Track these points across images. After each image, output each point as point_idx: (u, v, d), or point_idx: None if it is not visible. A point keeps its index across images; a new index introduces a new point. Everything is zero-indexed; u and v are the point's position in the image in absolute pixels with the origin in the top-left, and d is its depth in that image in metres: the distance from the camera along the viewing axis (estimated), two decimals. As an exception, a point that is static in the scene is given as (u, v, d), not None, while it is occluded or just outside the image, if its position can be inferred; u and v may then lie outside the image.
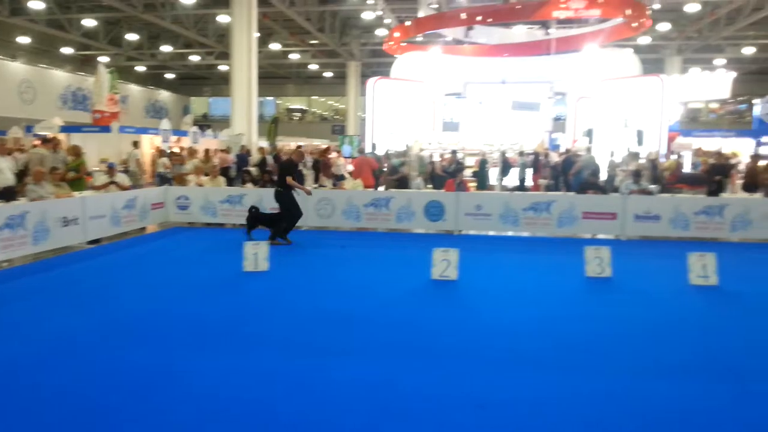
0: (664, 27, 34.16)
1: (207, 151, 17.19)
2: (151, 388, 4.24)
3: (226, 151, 18.51)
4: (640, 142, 20.46)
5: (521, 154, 18.83)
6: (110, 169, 12.31)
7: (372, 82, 22.73)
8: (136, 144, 19.28)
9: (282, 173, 10.31)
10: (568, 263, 8.58)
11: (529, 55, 23.89)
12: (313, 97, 52.19)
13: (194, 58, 37.18)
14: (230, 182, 15.26)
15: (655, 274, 8.34)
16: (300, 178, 11.35)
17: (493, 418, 3.83)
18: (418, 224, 11.95)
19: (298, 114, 51.99)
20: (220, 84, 42.97)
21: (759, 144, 28.10)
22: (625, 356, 5.01)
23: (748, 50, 40.36)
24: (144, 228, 11.85)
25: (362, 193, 12.72)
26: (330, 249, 10.06)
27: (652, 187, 13.35)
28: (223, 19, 26.52)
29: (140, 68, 40.27)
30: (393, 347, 5.15)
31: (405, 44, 24.78)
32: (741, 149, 25.88)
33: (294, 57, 38.28)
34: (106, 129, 21.50)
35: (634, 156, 16.39)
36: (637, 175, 12.86)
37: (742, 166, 16.61)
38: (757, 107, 29.04)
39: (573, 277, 7.86)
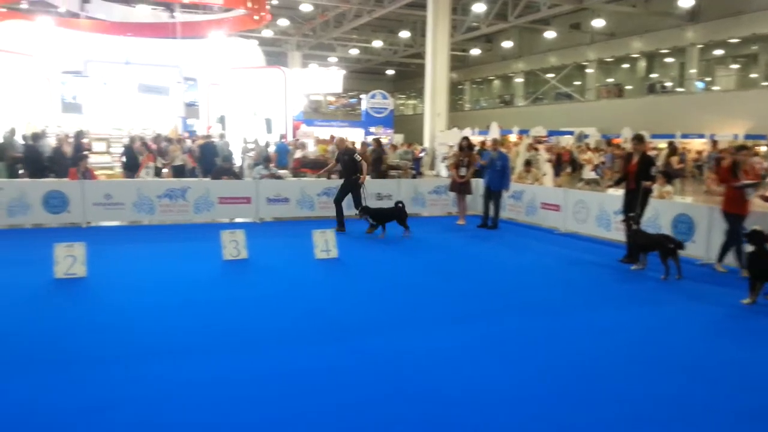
0: (284, 23, 36.85)
1: None
2: None
3: None
4: (269, 130, 21.79)
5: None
6: None
7: (-38, 52, 18.91)
8: None
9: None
10: (206, 249, 8.66)
11: (154, 37, 23.04)
12: None
13: None
14: None
15: (286, 251, 9.06)
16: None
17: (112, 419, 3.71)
18: (35, 217, 10.53)
19: None
20: None
21: (368, 133, 32.74)
22: (265, 330, 5.34)
23: (354, 51, 46.50)
24: None
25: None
26: None
27: (282, 171, 14.40)
28: None
29: None
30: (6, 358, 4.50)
31: (5, 10, 21.32)
32: (355, 137, 29.80)
33: None
34: None
35: (264, 144, 17.39)
36: (267, 160, 13.67)
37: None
38: (364, 101, 33.68)
39: (211, 262, 7.98)
